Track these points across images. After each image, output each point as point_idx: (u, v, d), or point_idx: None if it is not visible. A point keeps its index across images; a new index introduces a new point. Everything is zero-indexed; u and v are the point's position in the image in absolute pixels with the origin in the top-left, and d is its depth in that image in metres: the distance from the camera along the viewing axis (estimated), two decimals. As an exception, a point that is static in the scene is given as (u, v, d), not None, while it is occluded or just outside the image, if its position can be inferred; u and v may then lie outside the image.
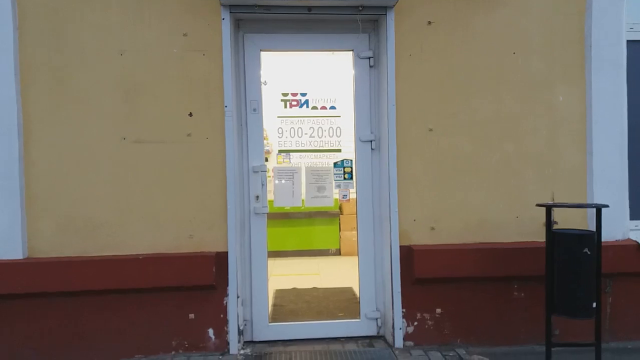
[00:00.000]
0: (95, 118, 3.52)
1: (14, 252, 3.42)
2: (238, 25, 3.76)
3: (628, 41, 3.81)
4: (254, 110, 3.79)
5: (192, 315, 3.57)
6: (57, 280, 3.40)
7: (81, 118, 3.51)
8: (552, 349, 3.22)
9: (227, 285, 3.56)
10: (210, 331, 3.59)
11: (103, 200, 3.52)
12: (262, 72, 3.83)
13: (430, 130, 3.70)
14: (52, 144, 3.49)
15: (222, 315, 3.58)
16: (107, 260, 3.45)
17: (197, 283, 3.50)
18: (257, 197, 3.78)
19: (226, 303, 3.58)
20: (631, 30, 3.86)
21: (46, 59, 3.49)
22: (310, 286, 5.30)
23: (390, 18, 3.62)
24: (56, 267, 3.41)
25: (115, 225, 3.53)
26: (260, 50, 3.79)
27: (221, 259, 3.54)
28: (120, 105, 3.53)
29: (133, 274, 3.44)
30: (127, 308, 3.52)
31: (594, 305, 3.09)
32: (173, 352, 3.56)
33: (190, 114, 3.57)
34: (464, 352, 3.57)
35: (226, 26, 3.54)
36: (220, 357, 3.53)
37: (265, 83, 3.98)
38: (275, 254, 6.47)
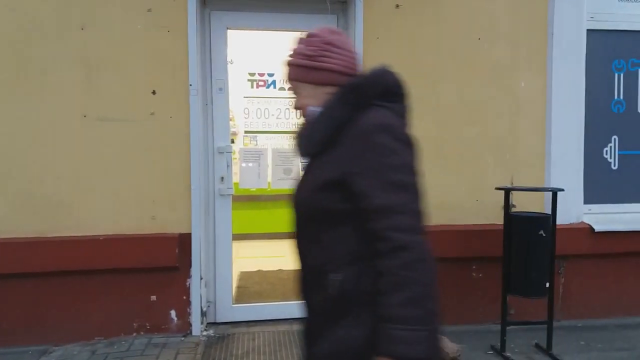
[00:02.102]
0: (55, 94, 3.39)
1: (-34, 231, 3.31)
2: (204, 2, 3.68)
3: (588, 30, 3.91)
4: (220, 89, 3.73)
5: (154, 297, 3.53)
6: (13, 261, 3.30)
7: (40, 94, 3.38)
8: (508, 328, 3.35)
9: (191, 267, 3.53)
10: (173, 313, 3.56)
11: (62, 179, 3.42)
12: (228, 51, 3.76)
13: (396, 113, 3.72)
14: (9, 119, 3.36)
15: (184, 297, 3.56)
16: (66, 241, 3.37)
17: (160, 265, 3.46)
18: (222, 178, 3.74)
19: (189, 285, 3.55)
20: (591, 19, 3.94)
21: (3, 32, 3.33)
22: (275, 268, 5.32)
23: (359, 0, 3.61)
24: (12, 248, 3.31)
25: (75, 205, 3.44)
26: (227, 28, 3.73)
27: (184, 240, 3.50)
28: (81, 81, 3.42)
29: (93, 256, 3.37)
30: (87, 290, 3.45)
31: (547, 285, 3.22)
32: (134, 334, 3.53)
33: (154, 92, 3.48)
34: (424, 331, 3.65)
35: (192, 3, 3.45)
36: (183, 338, 3.51)
37: (231, 62, 3.92)
38: (240, 237, 6.40)
